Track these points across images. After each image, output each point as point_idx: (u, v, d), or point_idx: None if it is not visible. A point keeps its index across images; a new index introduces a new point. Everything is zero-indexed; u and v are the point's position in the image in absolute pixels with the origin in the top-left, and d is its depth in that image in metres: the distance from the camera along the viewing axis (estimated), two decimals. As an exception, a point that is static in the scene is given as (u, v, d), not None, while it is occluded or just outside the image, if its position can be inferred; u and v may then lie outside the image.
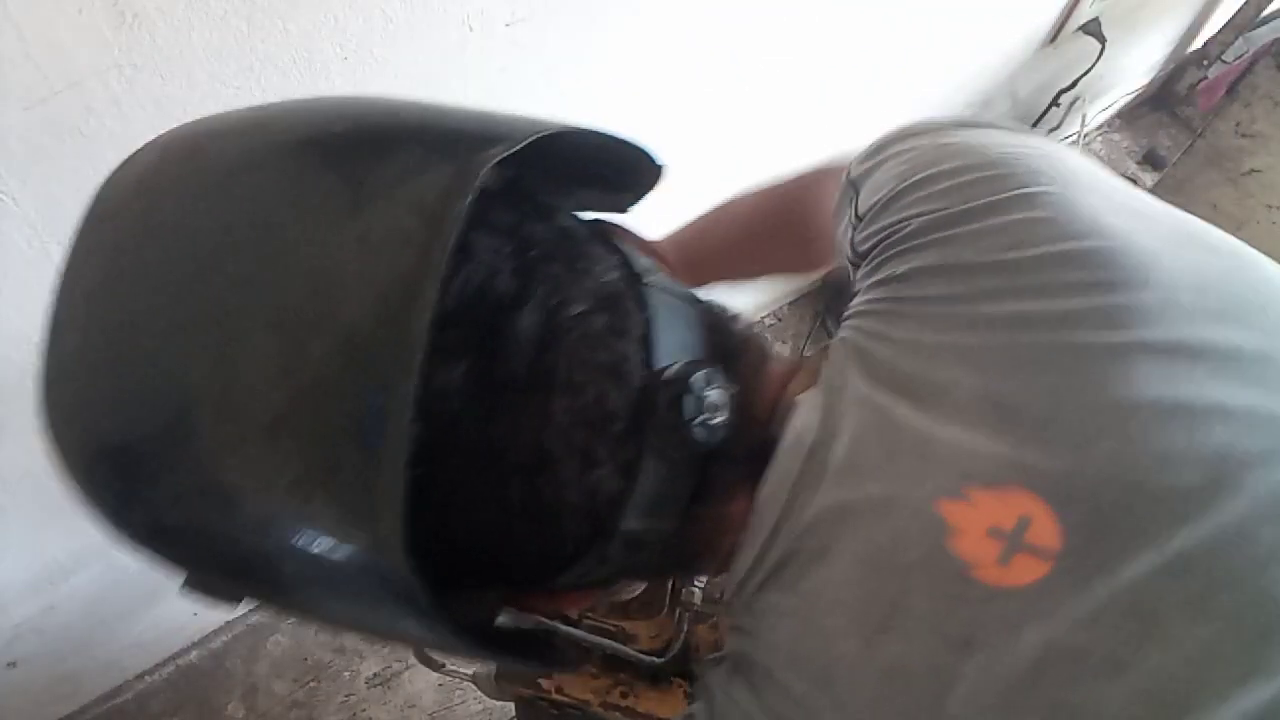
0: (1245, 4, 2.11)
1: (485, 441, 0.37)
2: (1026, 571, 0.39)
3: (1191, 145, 2.07)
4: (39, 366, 0.40)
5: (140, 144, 0.73)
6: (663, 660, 0.92)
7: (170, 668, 1.63)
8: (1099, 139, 2.47)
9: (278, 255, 0.34)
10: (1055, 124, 2.16)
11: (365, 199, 0.34)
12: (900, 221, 0.48)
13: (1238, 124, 1.97)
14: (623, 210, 0.49)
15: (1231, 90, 1.97)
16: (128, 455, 0.38)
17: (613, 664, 0.97)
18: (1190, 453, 0.39)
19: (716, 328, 0.46)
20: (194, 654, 1.65)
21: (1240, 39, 2.17)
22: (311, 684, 1.64)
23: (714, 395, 0.41)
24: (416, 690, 1.64)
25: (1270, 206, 2.03)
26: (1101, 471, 0.39)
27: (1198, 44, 2.35)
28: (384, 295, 0.32)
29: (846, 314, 0.50)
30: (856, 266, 0.51)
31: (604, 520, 0.40)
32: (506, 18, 0.95)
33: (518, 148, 0.35)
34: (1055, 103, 2.09)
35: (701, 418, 0.41)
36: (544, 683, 0.96)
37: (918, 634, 0.40)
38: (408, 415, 0.31)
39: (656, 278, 0.44)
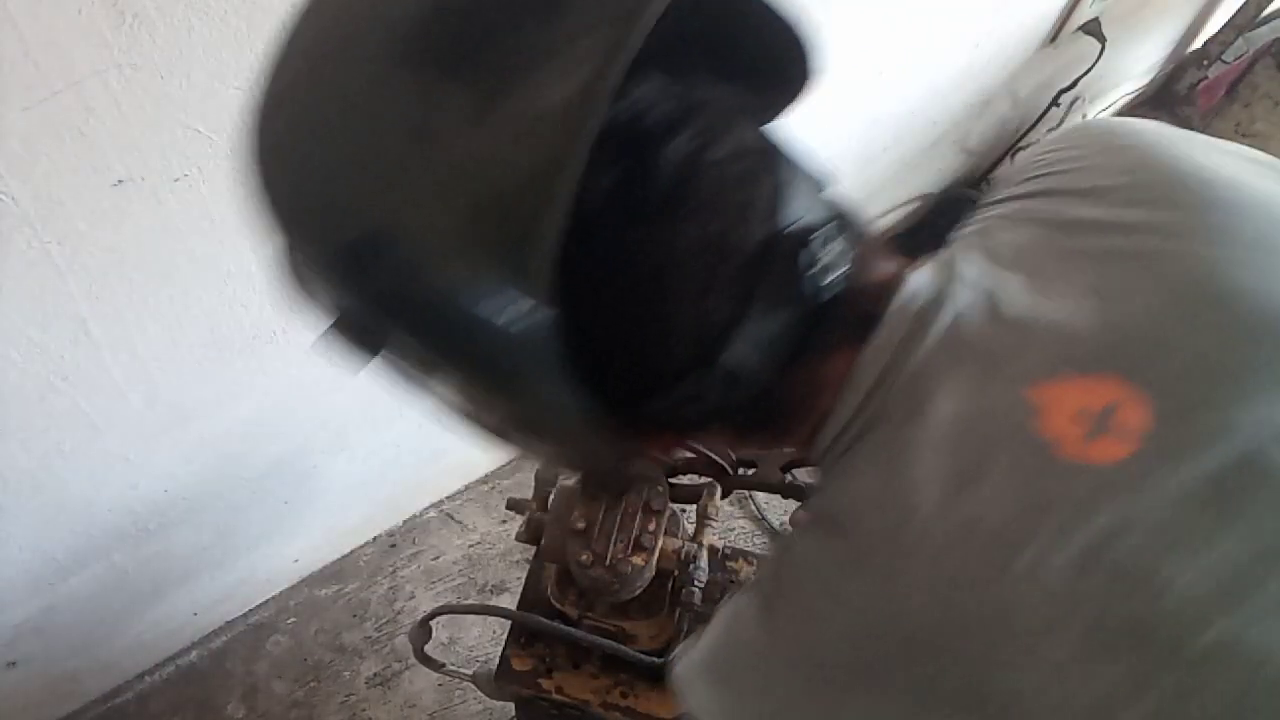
0: (1245, 4, 2.11)
1: (619, 246, 0.41)
2: (1110, 451, 0.41)
3: (1191, 145, 2.07)
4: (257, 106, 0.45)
5: (140, 144, 0.73)
6: (663, 660, 0.92)
7: (170, 668, 1.63)
8: (1099, 139, 2.47)
9: (485, 47, 0.38)
10: (1055, 124, 2.16)
11: (558, 12, 0.38)
12: (1039, 157, 0.54)
13: (1238, 124, 1.97)
14: (765, 120, 0.52)
15: (1231, 90, 1.97)
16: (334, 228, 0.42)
17: (613, 664, 0.97)
18: (1272, 358, 0.42)
19: (838, 207, 0.49)
20: (194, 654, 1.65)
21: (1240, 39, 2.17)
22: (311, 684, 1.64)
23: (829, 256, 0.45)
24: (416, 690, 1.64)
25: (1270, 206, 2.03)
26: (1194, 365, 0.42)
27: (1198, 44, 2.35)
28: (567, 99, 0.36)
29: (974, 217, 0.55)
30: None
31: (709, 348, 0.43)
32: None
33: None
34: (1055, 103, 2.09)
35: (814, 271, 0.44)
36: (544, 683, 0.97)
37: (997, 495, 0.42)
38: (569, 194, 0.35)
39: (792, 149, 0.47)
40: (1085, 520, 0.40)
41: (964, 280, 0.48)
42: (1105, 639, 0.40)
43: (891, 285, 0.49)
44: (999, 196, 0.55)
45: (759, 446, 0.54)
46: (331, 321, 0.45)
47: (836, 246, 0.45)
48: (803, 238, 0.44)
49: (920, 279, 0.49)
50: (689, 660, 0.54)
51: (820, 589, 0.46)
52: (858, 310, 0.48)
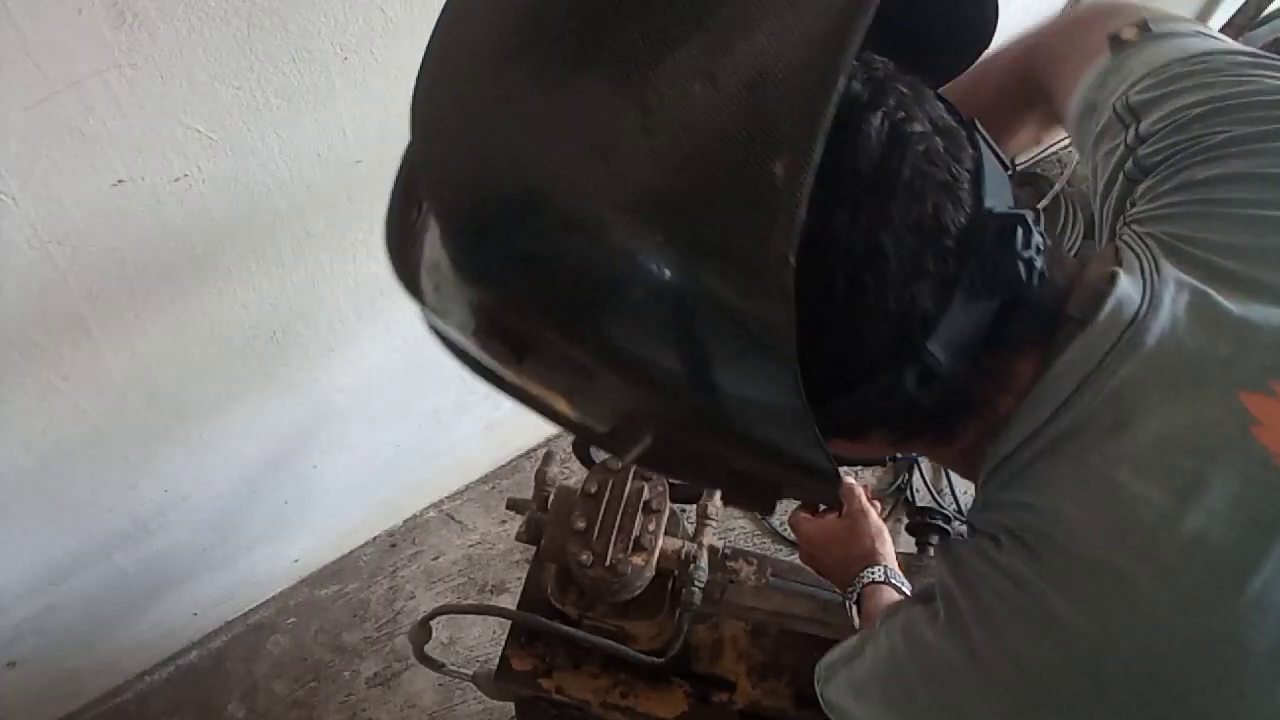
0: (1245, 4, 2.11)
1: (821, 230, 0.37)
2: None
3: (1191, 145, 2.06)
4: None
5: (140, 144, 0.73)
6: (663, 660, 0.92)
7: (170, 668, 1.63)
8: (1099, 139, 2.47)
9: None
10: (1055, 124, 2.16)
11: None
12: (1206, 134, 0.49)
13: (1238, 124, 1.96)
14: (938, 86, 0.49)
15: (1231, 90, 1.97)
16: (520, 199, 0.39)
17: (613, 664, 0.97)
18: None
19: (1018, 195, 0.47)
20: (194, 654, 1.65)
21: (1240, 39, 2.17)
22: (311, 684, 1.64)
23: (1036, 238, 0.42)
24: (416, 690, 1.64)
25: (1270, 206, 2.02)
26: None
27: (1198, 44, 2.35)
28: (807, 57, 0.34)
29: (1132, 218, 0.51)
30: (1137, 182, 0.53)
31: (913, 336, 0.40)
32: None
33: None
34: (1055, 103, 2.09)
35: (1029, 253, 0.41)
36: (544, 683, 0.97)
37: (1223, 511, 0.39)
38: (821, 139, 0.32)
39: (980, 128, 0.45)
40: None
41: (1170, 285, 0.45)
42: None
43: (1081, 286, 0.46)
44: (1171, 179, 0.50)
45: (919, 451, 0.51)
46: (473, 327, 0.41)
47: (1039, 229, 0.42)
48: (1014, 218, 0.41)
49: (1128, 285, 0.45)
50: (849, 678, 0.51)
51: (1027, 607, 0.42)
52: (1049, 308, 0.46)
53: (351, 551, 1.78)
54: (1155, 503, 0.40)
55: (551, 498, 0.95)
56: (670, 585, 0.92)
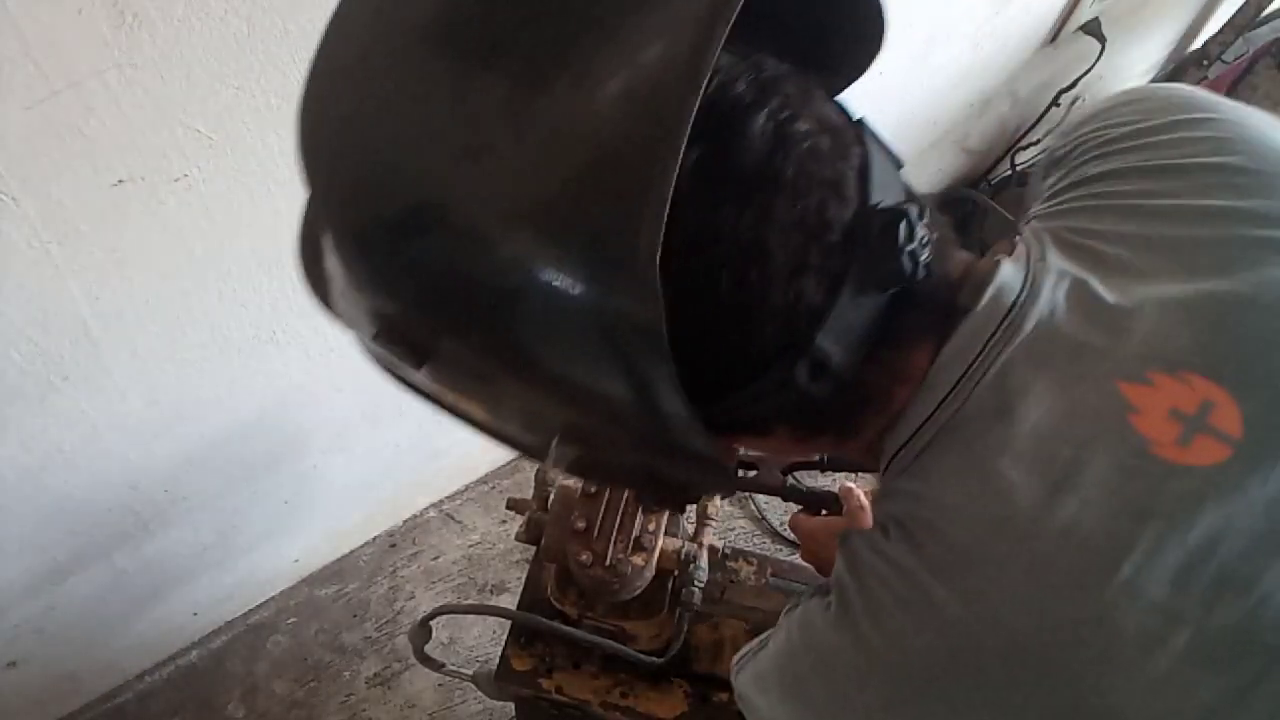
0: (1245, 4, 2.10)
1: (706, 227, 0.38)
2: (1207, 453, 0.40)
3: (1191, 145, 2.06)
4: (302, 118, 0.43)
5: (140, 144, 0.73)
6: (663, 660, 0.92)
7: (170, 668, 1.63)
8: (1099, 139, 2.47)
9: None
10: (1055, 124, 2.16)
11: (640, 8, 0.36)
12: (1099, 129, 0.52)
13: (1238, 124, 1.96)
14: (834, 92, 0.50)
15: (1231, 90, 1.97)
16: (406, 211, 0.39)
17: (613, 664, 0.97)
18: None
19: (912, 191, 0.47)
20: (194, 654, 1.65)
21: (1240, 39, 2.17)
22: (311, 684, 1.64)
23: (922, 233, 0.42)
24: (416, 690, 1.64)
25: (1270, 206, 2.02)
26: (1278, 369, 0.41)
27: (1198, 44, 2.35)
28: (670, 64, 0.34)
29: (1032, 215, 0.53)
30: (1044, 179, 0.55)
31: (801, 330, 0.41)
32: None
33: None
34: (1055, 103, 2.08)
35: (912, 247, 0.42)
36: (544, 683, 0.97)
37: (1096, 498, 0.41)
38: (678, 154, 0.33)
39: (870, 126, 0.46)
40: (1185, 528, 0.39)
41: (1050, 276, 0.46)
42: (1208, 650, 0.39)
43: (973, 277, 0.47)
44: (1067, 178, 0.52)
45: (826, 448, 0.52)
46: (373, 332, 0.42)
47: (925, 223, 0.43)
48: (896, 213, 0.42)
49: (1008, 273, 0.46)
50: (754, 669, 0.52)
51: (910, 596, 0.44)
52: (940, 300, 0.46)
53: (351, 551, 1.78)
54: (1031, 491, 0.41)
55: (551, 498, 0.95)
56: (670, 585, 0.92)
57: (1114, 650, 0.39)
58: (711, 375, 0.41)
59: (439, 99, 0.38)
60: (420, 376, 0.44)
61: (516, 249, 0.36)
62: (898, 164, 0.46)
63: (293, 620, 1.70)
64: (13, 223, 0.78)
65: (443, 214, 0.38)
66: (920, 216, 0.42)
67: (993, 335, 0.45)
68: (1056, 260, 0.47)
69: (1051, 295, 0.45)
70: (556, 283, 0.36)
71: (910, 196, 0.45)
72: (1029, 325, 0.44)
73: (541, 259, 0.36)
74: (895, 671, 0.44)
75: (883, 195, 0.43)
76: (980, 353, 0.45)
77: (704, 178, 0.38)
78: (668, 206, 0.33)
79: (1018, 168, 2.25)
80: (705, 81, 0.34)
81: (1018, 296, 0.45)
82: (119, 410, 1.06)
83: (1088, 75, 2.01)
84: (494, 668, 0.98)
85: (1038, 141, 2.19)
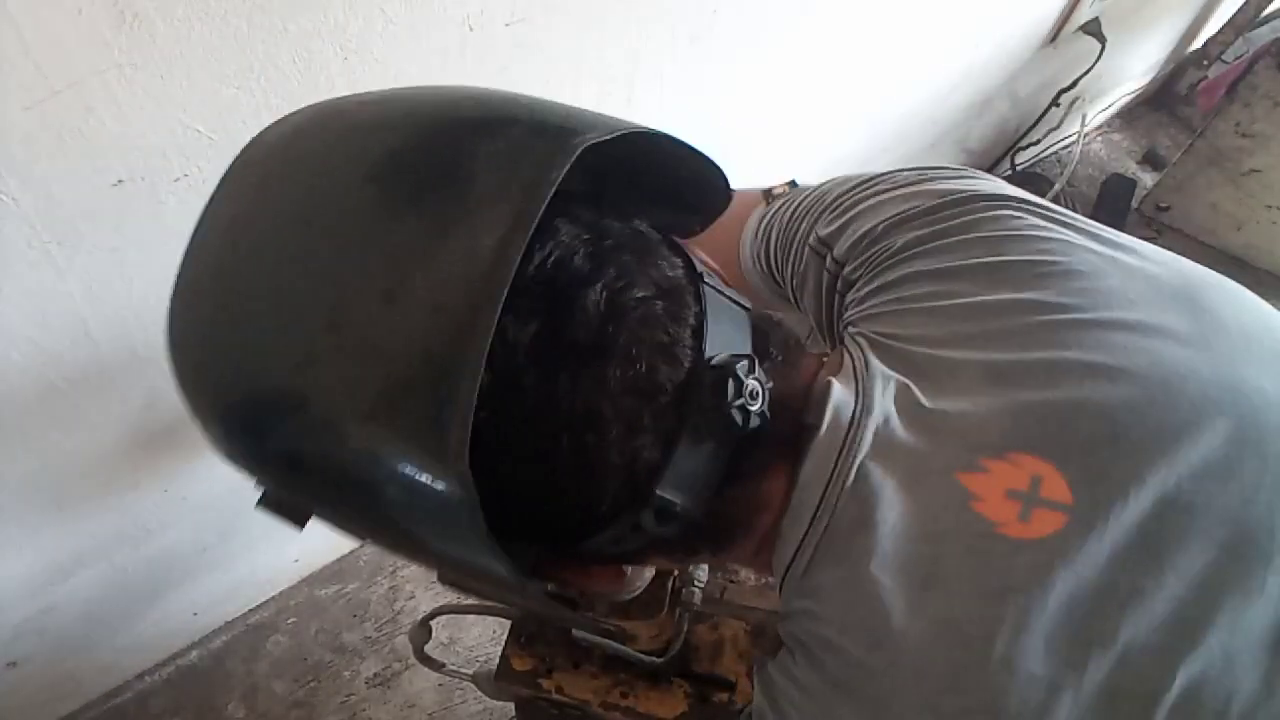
0: (1245, 4, 2.11)
1: (544, 396, 0.41)
2: (1046, 524, 0.43)
3: (1191, 145, 2.07)
4: (170, 316, 0.47)
5: (140, 144, 0.73)
6: (663, 660, 0.92)
7: (170, 668, 1.63)
8: (1099, 139, 2.46)
9: (383, 229, 0.39)
10: (1055, 124, 2.16)
11: (467, 178, 0.39)
12: (887, 243, 0.56)
13: (1238, 124, 1.97)
14: (691, 232, 0.54)
15: (1231, 90, 1.97)
16: (252, 408, 0.43)
17: (613, 664, 0.97)
18: (1167, 403, 0.45)
19: (760, 328, 0.51)
20: (194, 654, 1.65)
21: (1240, 39, 2.17)
22: (311, 684, 1.64)
23: (753, 384, 0.45)
24: (416, 690, 1.64)
25: (1270, 206, 2.03)
26: (1091, 427, 0.45)
27: (1198, 44, 2.35)
28: (475, 257, 0.37)
29: (847, 321, 0.57)
30: (843, 295, 0.60)
31: (641, 485, 0.44)
32: (506, 18, 0.95)
33: (609, 136, 0.41)
34: (1055, 103, 2.09)
35: (740, 401, 0.44)
36: (544, 683, 0.97)
37: (958, 589, 0.43)
38: (481, 360, 0.36)
39: (713, 280, 0.48)
40: (1042, 597, 0.42)
41: (875, 385, 0.50)
42: (1090, 710, 0.41)
43: (813, 396, 0.50)
44: (870, 284, 0.56)
45: (706, 561, 0.55)
46: (259, 496, 0.45)
47: (759, 372, 0.46)
48: (727, 368, 0.44)
49: (840, 392, 0.50)
50: None
51: (817, 716, 0.46)
52: (784, 428, 0.49)
53: (351, 551, 1.78)
54: (901, 595, 0.44)
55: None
56: (670, 585, 0.92)
57: None
58: (564, 526, 0.45)
59: (286, 308, 0.40)
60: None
61: (355, 442, 0.39)
62: (741, 307, 0.50)
63: (293, 620, 1.70)
64: (13, 223, 0.78)
65: (293, 407, 0.40)
66: (752, 367, 0.45)
67: (840, 452, 0.47)
68: (879, 367, 0.51)
69: (882, 403, 0.49)
70: (393, 469, 0.38)
71: (759, 335, 0.49)
72: (869, 436, 0.48)
73: (379, 451, 0.38)
74: None
75: (720, 348, 0.45)
76: (834, 469, 0.47)
77: (540, 349, 0.41)
78: (472, 410, 0.36)
79: (1018, 168, 2.25)
80: (503, 295, 0.36)
81: (854, 412, 0.49)
82: (119, 410, 1.06)
83: (1088, 75, 2.01)
84: (494, 668, 0.98)
85: (1038, 141, 2.20)
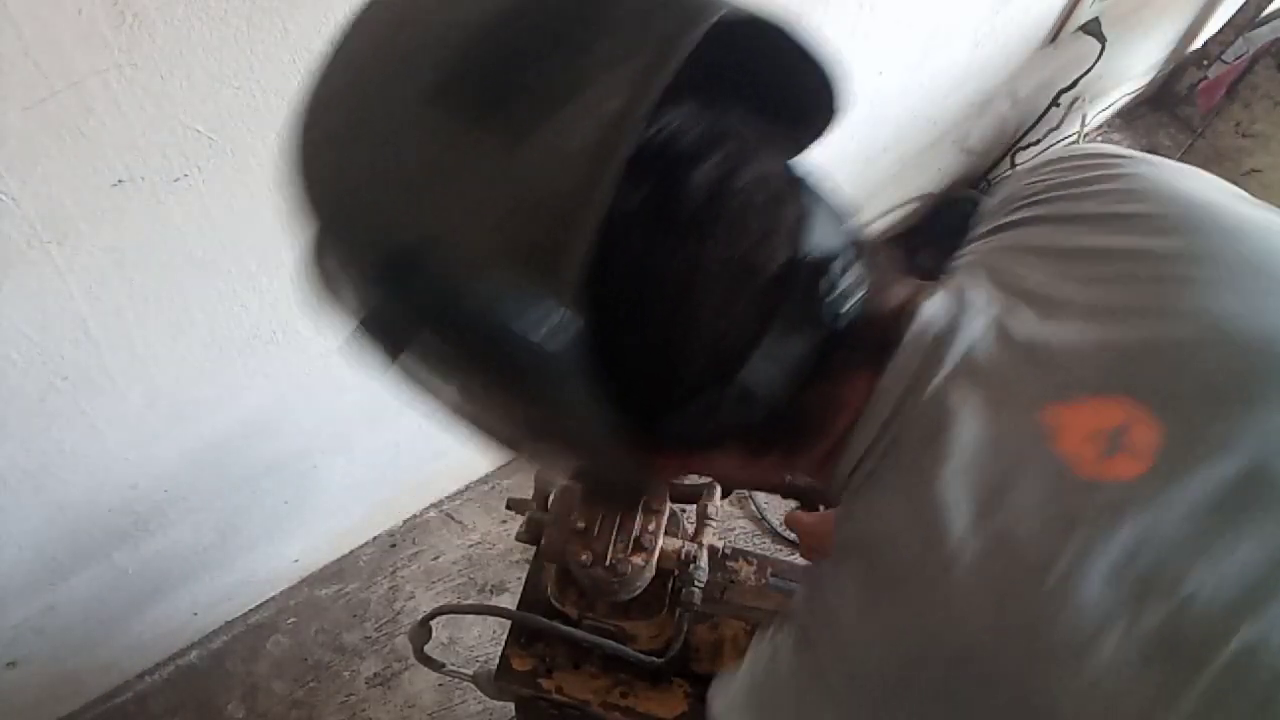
0: (1245, 4, 2.11)
1: (643, 264, 0.42)
2: (1126, 468, 0.43)
3: (1191, 145, 2.07)
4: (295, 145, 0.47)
5: (140, 144, 0.73)
6: (663, 660, 0.92)
7: (170, 668, 1.63)
8: (1099, 139, 2.47)
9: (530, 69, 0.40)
10: (1055, 124, 2.16)
11: (604, 30, 0.40)
12: (1024, 187, 0.58)
13: (1238, 124, 1.97)
14: (796, 151, 0.53)
15: (1231, 90, 1.97)
16: (377, 229, 0.44)
17: (613, 664, 0.97)
18: (1271, 374, 0.44)
19: (858, 237, 0.51)
20: (194, 654, 1.65)
21: (1240, 39, 2.17)
22: (311, 684, 1.64)
23: (847, 283, 0.46)
24: (416, 690, 1.64)
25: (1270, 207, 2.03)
26: (1198, 383, 0.45)
27: (1198, 44, 2.35)
28: (600, 127, 0.38)
29: (965, 252, 0.58)
30: (977, 225, 0.61)
31: (726, 364, 0.45)
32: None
33: (742, 17, 0.41)
34: (1055, 103, 2.09)
35: (833, 297, 0.45)
36: (544, 683, 0.96)
37: (1023, 513, 0.43)
38: (604, 201, 0.38)
39: (816, 181, 0.49)
40: (1109, 535, 0.42)
41: (974, 308, 0.50)
42: (1138, 651, 0.41)
43: (906, 312, 0.50)
44: (995, 224, 0.57)
45: (772, 469, 0.54)
46: (358, 320, 0.46)
47: (854, 274, 0.47)
48: (822, 264, 0.45)
49: (933, 307, 0.50)
50: (728, 697, 0.54)
51: (857, 616, 0.46)
52: (874, 336, 0.49)
53: (351, 551, 1.78)
54: (965, 510, 0.44)
55: (551, 498, 0.95)
56: (670, 585, 0.92)
57: (1050, 652, 0.41)
58: (646, 396, 0.45)
59: (432, 148, 0.41)
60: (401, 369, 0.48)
61: (478, 263, 0.40)
62: (841, 217, 0.50)
63: (293, 620, 1.70)
64: (13, 223, 0.78)
65: (420, 231, 0.42)
66: (847, 267, 0.46)
67: (921, 366, 0.48)
68: (983, 294, 0.51)
69: (975, 326, 0.49)
70: (511, 296, 0.40)
71: (855, 243, 0.49)
72: (954, 356, 0.48)
73: (499, 271, 0.40)
74: (855, 689, 0.46)
75: (817, 247, 0.46)
76: (911, 383, 0.48)
77: (647, 217, 0.42)
78: (591, 245, 0.38)
79: (1018, 168, 2.25)
80: (631, 145, 0.38)
81: (942, 330, 0.49)
82: (119, 410, 1.06)
83: (1088, 75, 2.01)
84: (494, 668, 0.98)
85: (1038, 141, 2.20)
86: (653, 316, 0.43)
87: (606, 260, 0.40)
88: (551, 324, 0.39)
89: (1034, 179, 0.58)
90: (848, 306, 0.46)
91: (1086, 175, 0.55)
